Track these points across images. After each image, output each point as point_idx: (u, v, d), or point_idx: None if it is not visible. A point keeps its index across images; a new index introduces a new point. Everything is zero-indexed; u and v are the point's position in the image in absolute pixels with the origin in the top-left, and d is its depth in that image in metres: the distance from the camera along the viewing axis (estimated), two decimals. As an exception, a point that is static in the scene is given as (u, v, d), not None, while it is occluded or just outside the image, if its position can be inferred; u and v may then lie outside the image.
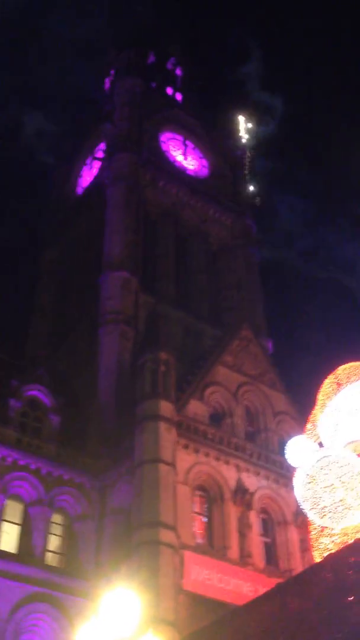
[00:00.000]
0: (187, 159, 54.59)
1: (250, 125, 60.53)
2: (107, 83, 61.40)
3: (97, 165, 54.57)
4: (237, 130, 59.20)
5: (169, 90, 59.73)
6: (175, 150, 54.26)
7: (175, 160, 53.45)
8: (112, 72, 59.92)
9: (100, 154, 54.29)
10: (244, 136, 59.16)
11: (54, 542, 32.83)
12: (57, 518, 33.24)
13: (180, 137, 55.49)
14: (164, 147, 53.57)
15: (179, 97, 60.02)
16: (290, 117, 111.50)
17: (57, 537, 32.98)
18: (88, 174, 55.85)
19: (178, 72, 62.02)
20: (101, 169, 52.43)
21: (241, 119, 60.06)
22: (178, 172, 52.20)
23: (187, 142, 55.63)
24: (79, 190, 56.06)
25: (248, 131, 59.93)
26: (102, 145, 54.14)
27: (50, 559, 32.28)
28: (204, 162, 55.80)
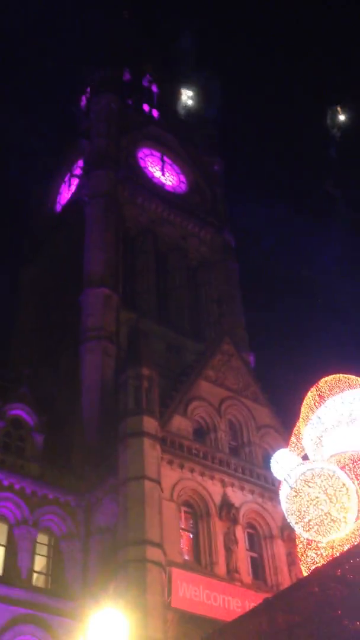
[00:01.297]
0: (165, 175, 54.82)
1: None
2: (83, 100, 61.50)
3: (75, 182, 54.64)
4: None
5: (146, 107, 60.02)
6: (153, 167, 54.50)
7: (153, 177, 53.65)
8: (88, 89, 60.06)
9: (78, 171, 54.35)
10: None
11: (40, 563, 32.49)
12: (42, 538, 32.91)
13: (157, 154, 55.73)
14: (141, 163, 53.77)
15: (155, 113, 60.30)
16: (238, 106, 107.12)
17: (43, 557, 32.65)
18: (66, 191, 55.87)
19: (154, 89, 62.38)
20: (79, 186, 52.47)
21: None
22: (156, 188, 52.38)
23: (165, 158, 55.89)
24: (58, 207, 56.04)
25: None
26: (80, 162, 54.20)
27: (36, 579, 31.99)
28: (182, 177, 56.07)
